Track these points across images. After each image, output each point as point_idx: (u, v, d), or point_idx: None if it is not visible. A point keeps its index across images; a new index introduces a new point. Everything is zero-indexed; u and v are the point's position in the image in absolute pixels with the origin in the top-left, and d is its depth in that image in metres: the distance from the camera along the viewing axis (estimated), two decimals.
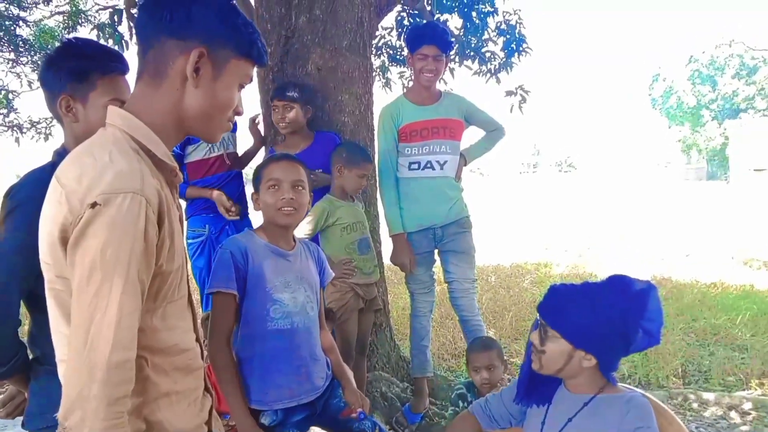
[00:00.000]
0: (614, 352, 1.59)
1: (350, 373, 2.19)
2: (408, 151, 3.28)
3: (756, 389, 3.98)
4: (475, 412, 1.84)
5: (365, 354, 3.22)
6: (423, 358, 3.40)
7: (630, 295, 1.56)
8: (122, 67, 1.62)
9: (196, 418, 1.24)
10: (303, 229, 2.82)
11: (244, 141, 3.56)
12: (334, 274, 2.34)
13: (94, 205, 0.99)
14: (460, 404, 2.58)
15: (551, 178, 47.26)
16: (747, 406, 3.67)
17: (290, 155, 2.16)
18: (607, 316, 1.54)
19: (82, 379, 0.97)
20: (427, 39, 3.20)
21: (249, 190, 3.31)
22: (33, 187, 1.45)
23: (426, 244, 3.32)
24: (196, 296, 3.05)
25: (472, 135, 3.55)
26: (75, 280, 1.00)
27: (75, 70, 1.55)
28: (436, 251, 3.40)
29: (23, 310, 1.53)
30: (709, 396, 3.80)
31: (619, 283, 1.60)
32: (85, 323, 0.98)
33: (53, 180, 1.09)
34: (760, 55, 38.27)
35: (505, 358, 2.75)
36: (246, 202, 3.49)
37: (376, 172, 3.36)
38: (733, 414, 3.62)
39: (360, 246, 3.00)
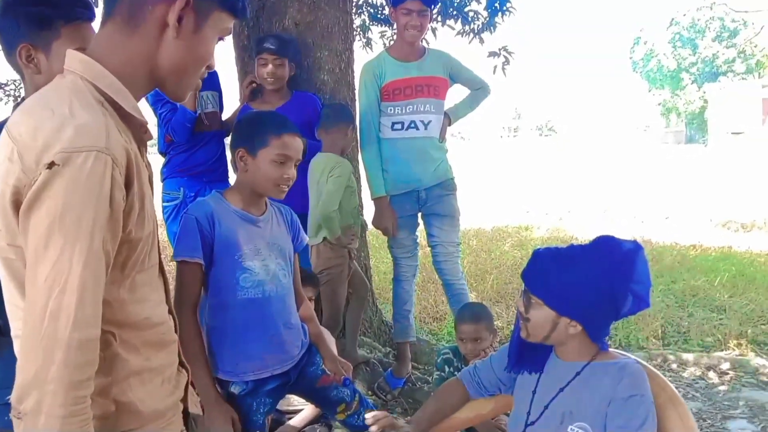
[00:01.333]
0: (601, 317, 1.53)
1: (331, 341, 2.13)
2: (391, 110, 3.17)
3: (734, 349, 4.03)
4: (463, 379, 1.80)
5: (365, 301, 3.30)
6: (406, 323, 3.36)
7: (617, 258, 1.49)
8: (89, 13, 1.47)
9: (171, 396, 1.15)
10: (334, 200, 2.73)
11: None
12: (308, 239, 2.25)
13: (51, 165, 0.87)
14: (447, 369, 2.55)
15: (532, 142, 47.35)
16: (725, 366, 3.72)
17: (297, 129, 2.03)
18: (591, 280, 1.47)
19: (38, 359, 0.86)
20: None
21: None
22: None
23: (409, 207, 3.24)
24: (172, 264, 2.93)
25: (455, 94, 3.46)
26: (29, 250, 0.89)
27: (36, 17, 1.40)
28: (419, 214, 3.33)
29: None
30: (688, 357, 3.85)
31: (604, 244, 1.53)
32: (42, 299, 0.87)
33: (3, 133, 0.96)
34: (740, 18, 38.21)
35: None
36: (226, 165, 3.36)
37: (358, 133, 3.25)
38: (711, 374, 3.67)
39: (356, 211, 2.96)
